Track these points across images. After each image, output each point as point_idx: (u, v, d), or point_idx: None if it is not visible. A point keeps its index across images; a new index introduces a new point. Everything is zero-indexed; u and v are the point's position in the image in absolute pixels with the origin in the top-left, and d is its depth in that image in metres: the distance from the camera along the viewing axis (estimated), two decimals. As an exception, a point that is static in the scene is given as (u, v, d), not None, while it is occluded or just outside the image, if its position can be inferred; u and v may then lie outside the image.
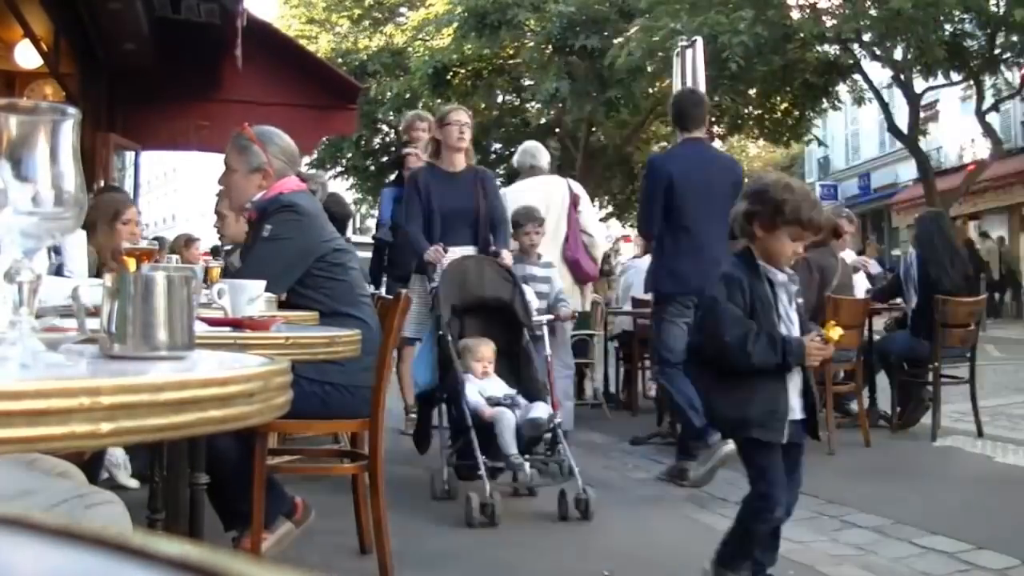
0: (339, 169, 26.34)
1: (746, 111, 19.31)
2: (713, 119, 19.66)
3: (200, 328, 1.43)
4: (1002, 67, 16.45)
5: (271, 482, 2.92)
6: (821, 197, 27.47)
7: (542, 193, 5.47)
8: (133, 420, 0.79)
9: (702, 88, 9.03)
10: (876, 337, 6.34)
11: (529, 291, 4.52)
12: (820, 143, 23.92)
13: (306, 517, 3.05)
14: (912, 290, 5.86)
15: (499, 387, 4.09)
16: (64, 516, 1.13)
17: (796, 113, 19.50)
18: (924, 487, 4.43)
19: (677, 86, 9.23)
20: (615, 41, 16.47)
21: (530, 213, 5.07)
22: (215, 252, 6.11)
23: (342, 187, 26.47)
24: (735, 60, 14.09)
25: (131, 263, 2.99)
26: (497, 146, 26.18)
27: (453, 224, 4.79)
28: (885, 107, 18.49)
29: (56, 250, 3.26)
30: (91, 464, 2.67)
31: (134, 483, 3.82)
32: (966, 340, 5.66)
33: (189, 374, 0.94)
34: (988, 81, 16.97)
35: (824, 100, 19.03)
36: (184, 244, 7.02)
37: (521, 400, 4.02)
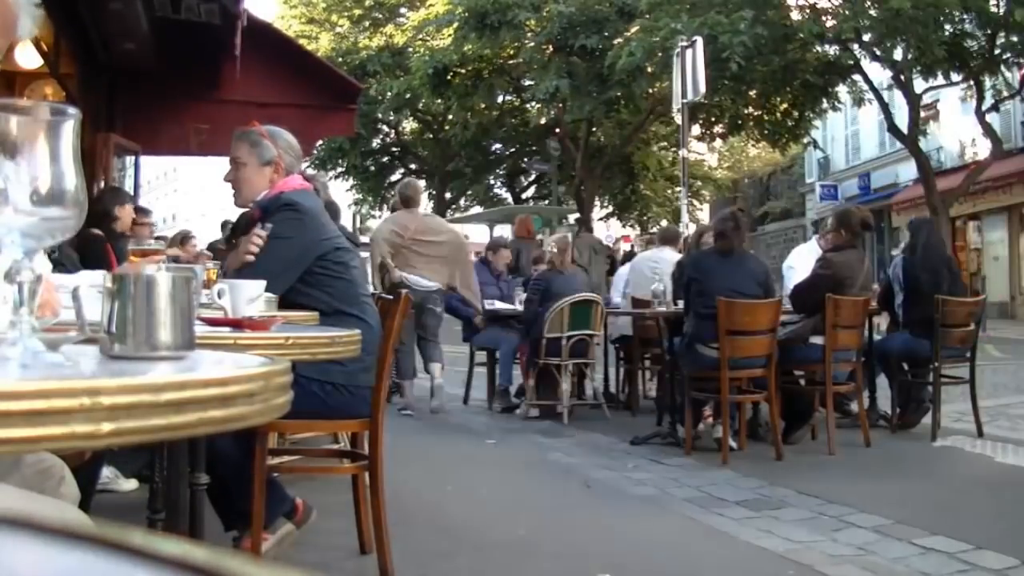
0: (339, 170, 26.33)
1: (746, 111, 19.31)
2: (713, 119, 19.66)
3: (200, 328, 1.43)
4: (1002, 67, 16.44)
5: (272, 483, 2.92)
6: (821, 198, 27.58)
7: None
8: (134, 420, 0.79)
9: (702, 88, 9.04)
10: (876, 337, 6.34)
11: None
12: (816, 146, 23.89)
13: (307, 518, 3.05)
14: (898, 287, 5.88)
15: None
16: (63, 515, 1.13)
17: (796, 114, 19.50)
18: (924, 487, 4.42)
19: (677, 86, 9.24)
20: (615, 42, 16.47)
21: None
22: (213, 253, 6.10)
23: (342, 187, 26.46)
24: (735, 60, 14.09)
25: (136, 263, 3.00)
26: (497, 146, 26.15)
27: None
28: (885, 107, 18.48)
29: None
30: (91, 465, 2.66)
31: (132, 484, 3.82)
32: (966, 340, 5.65)
33: (190, 374, 0.94)
34: (988, 81, 16.96)
35: (824, 100, 19.03)
36: (181, 241, 7.02)
37: None
